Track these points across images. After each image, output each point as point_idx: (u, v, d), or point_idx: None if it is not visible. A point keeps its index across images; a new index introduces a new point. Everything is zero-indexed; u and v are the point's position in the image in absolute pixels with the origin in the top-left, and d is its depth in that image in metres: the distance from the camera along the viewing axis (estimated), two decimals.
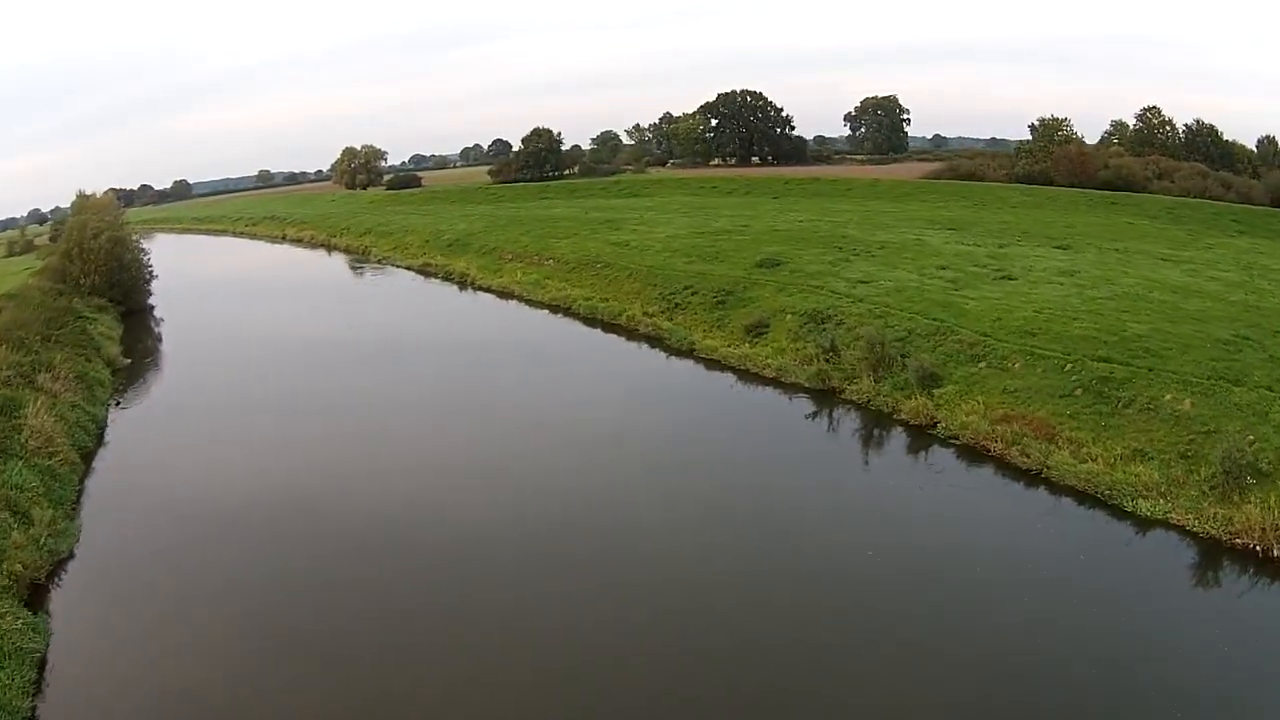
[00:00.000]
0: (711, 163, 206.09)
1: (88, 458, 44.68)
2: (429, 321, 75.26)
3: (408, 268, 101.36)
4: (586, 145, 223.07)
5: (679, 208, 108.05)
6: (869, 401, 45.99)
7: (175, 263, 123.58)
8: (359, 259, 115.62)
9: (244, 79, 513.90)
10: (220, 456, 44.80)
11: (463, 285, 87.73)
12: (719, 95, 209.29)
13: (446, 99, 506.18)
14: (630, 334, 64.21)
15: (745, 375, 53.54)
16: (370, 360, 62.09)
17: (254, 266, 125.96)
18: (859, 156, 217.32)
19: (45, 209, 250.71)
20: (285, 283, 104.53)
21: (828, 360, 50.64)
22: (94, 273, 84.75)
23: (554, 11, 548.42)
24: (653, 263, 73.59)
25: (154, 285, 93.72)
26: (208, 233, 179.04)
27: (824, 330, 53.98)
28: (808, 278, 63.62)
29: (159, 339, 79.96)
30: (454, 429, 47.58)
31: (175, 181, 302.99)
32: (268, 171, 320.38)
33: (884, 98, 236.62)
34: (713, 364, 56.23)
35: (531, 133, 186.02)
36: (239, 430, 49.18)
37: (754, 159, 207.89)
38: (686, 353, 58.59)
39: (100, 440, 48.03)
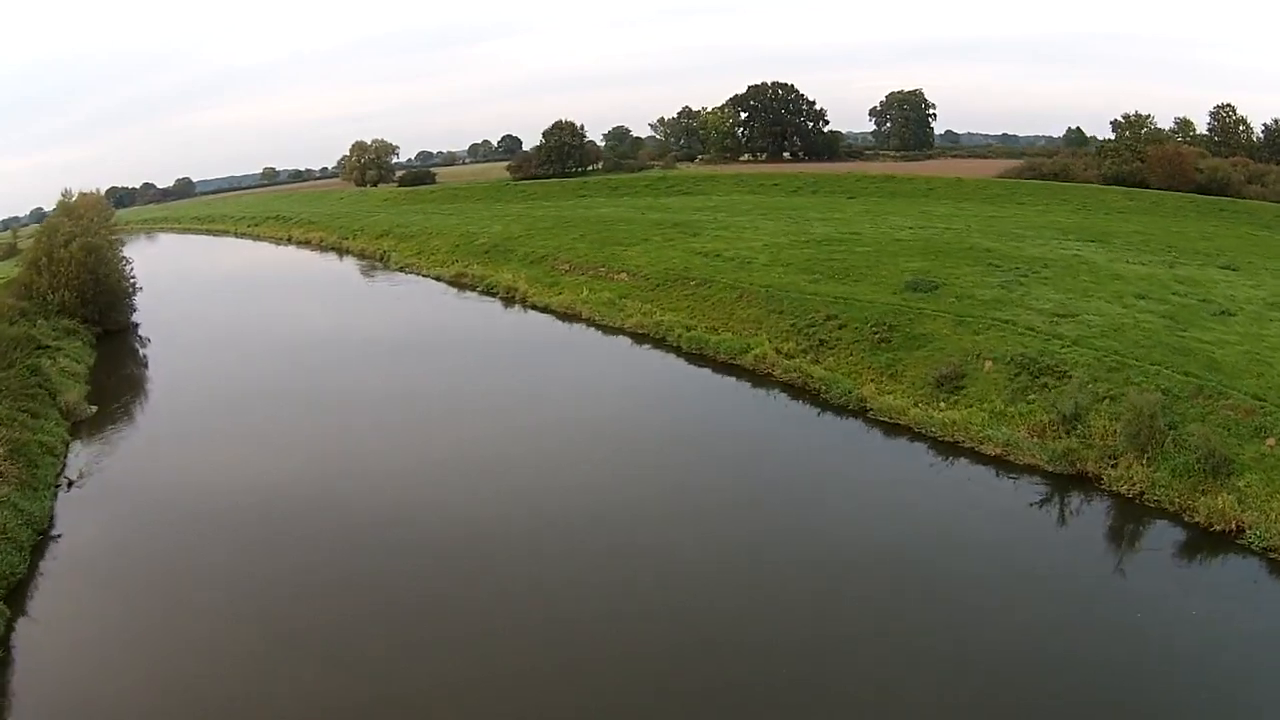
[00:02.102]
0: (741, 158, 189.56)
1: (16, 594, 28.61)
2: (482, 349, 57.72)
3: (436, 278, 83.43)
4: (599, 141, 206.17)
5: (751, 209, 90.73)
6: (1142, 494, 31.92)
7: (169, 266, 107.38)
8: (377, 266, 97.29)
9: (248, 77, 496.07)
10: (210, 573, 30.04)
11: (509, 301, 70.17)
12: (749, 88, 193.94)
13: (452, 97, 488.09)
14: (759, 379, 47.33)
15: (949, 449, 37.51)
16: (411, 415, 45.28)
17: (256, 274, 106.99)
18: (891, 153, 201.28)
19: (49, 208, 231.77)
20: (292, 293, 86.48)
21: (1069, 431, 35.44)
22: (63, 287, 67.55)
23: (559, 10, 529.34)
24: (767, 281, 56.63)
25: (142, 298, 76.92)
26: (208, 233, 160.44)
27: (1045, 385, 38.99)
28: (984, 307, 47.93)
29: (143, 366, 63.41)
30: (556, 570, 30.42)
31: (178, 179, 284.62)
32: (273, 169, 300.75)
33: (909, 92, 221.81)
34: (894, 430, 39.84)
35: (553, 126, 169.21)
36: (235, 526, 33.13)
37: (785, 154, 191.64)
38: (854, 411, 41.95)
39: (38, 555, 31.62)
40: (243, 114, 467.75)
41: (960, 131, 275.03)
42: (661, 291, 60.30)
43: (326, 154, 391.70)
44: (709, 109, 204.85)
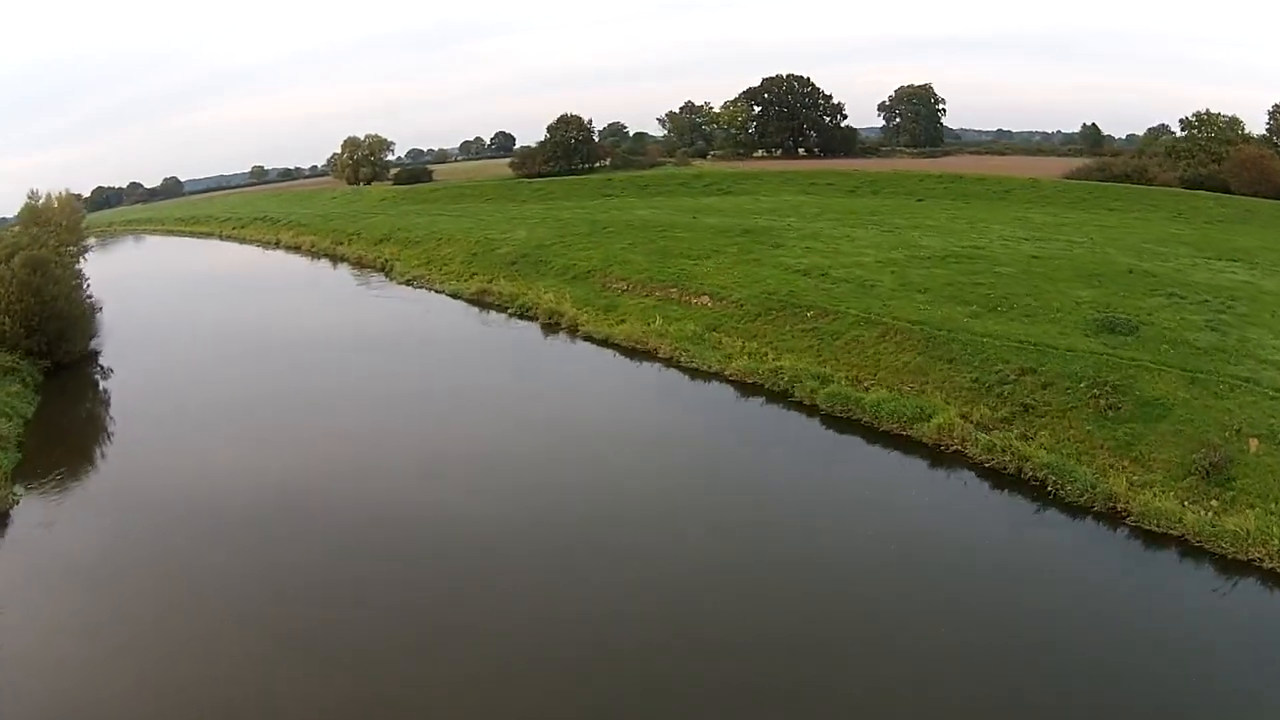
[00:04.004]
0: (755, 154, 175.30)
1: None
2: (540, 401, 43.19)
3: (453, 294, 68.05)
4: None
5: (822, 213, 76.21)
6: None
7: (146, 268, 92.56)
8: (377, 277, 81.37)
9: (237, 78, 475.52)
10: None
11: (551, 328, 55.35)
12: (763, 80, 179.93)
13: (440, 94, 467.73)
14: (943, 459, 33.32)
15: (1238, 570, 25.34)
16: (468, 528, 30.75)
17: (240, 283, 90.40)
18: (906, 150, 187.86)
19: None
20: (281, 311, 71.30)
21: None
22: (2, 313, 52.96)
23: (552, 6, 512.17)
24: (913, 313, 42.66)
25: (106, 315, 63.40)
26: (192, 235, 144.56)
27: None
28: (1207, 359, 35.49)
29: (100, 409, 49.80)
30: None
31: (165, 179, 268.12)
32: (261, 168, 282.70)
33: (919, 86, 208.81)
34: (1156, 540, 27.12)
35: (558, 120, 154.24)
36: None
37: (800, 150, 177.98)
38: (1098, 513, 28.48)
39: None
40: (232, 113, 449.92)
41: (954, 127, 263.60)
42: (766, 324, 45.70)
43: (316, 153, 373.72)
44: (709, 104, 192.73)
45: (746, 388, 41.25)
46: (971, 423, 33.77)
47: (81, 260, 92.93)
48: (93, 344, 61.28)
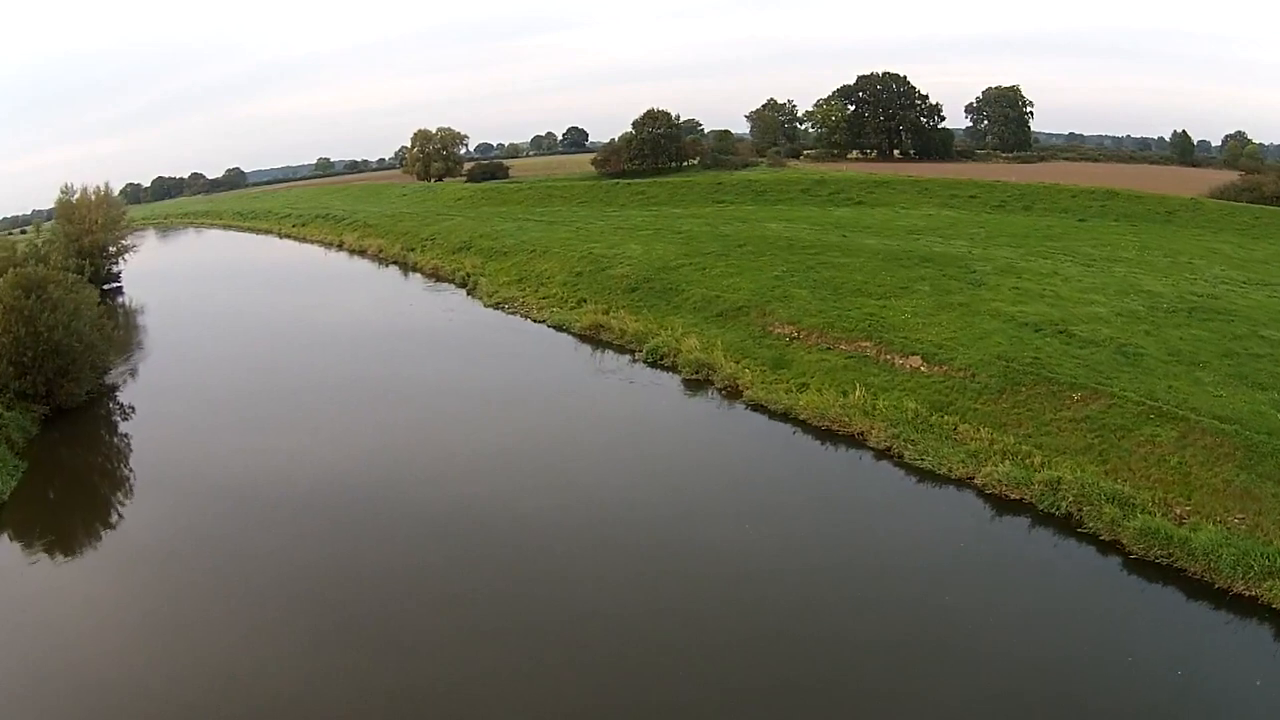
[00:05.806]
0: (850, 155, 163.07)
1: None
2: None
3: (558, 326, 55.62)
4: None
5: (987, 234, 62.44)
6: None
7: (189, 266, 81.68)
8: (456, 295, 69.24)
9: (304, 68, 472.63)
10: None
11: (698, 384, 42.66)
12: (858, 78, 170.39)
13: (511, 88, 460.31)
14: None
15: None
16: None
17: (294, 292, 78.05)
18: (1002, 154, 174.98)
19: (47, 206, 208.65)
20: (342, 337, 59.54)
21: None
22: None
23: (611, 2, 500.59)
24: (1209, 403, 29.98)
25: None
26: (250, 231, 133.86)
27: None
28: None
29: (101, 482, 39.04)
30: None
31: (228, 170, 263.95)
32: (327, 160, 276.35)
33: (1007, 88, 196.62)
34: None
35: (645, 115, 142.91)
36: None
37: (895, 152, 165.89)
38: None
39: None
40: (303, 102, 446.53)
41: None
42: (1016, 407, 32.74)
43: (382, 146, 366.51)
44: (793, 101, 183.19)
45: (1006, 505, 28.53)
46: None
47: (121, 261, 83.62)
48: (119, 371, 51.28)
